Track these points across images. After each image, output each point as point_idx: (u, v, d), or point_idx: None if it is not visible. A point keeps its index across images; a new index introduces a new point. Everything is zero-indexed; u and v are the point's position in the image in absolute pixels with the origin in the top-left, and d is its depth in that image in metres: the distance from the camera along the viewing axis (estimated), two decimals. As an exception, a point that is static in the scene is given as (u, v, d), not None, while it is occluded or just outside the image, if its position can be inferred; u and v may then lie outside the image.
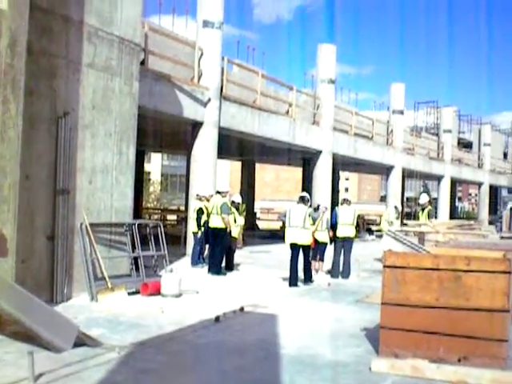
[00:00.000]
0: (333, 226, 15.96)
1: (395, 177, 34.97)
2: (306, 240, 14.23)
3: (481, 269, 7.08)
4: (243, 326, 9.41)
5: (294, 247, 14.09)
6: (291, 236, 14.07)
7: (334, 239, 16.04)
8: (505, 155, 58.46)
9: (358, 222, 17.05)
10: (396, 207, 20.99)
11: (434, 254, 7.89)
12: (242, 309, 10.42)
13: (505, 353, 7.13)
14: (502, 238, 16.00)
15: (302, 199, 14.53)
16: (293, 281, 13.95)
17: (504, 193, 62.01)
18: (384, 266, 7.48)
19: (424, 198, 20.30)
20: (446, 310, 7.18)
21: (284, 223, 14.57)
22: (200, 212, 16.74)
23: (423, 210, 19.49)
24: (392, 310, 7.40)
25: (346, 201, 16.32)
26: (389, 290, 7.42)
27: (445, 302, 7.18)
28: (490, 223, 46.34)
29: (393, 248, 7.77)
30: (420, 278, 7.27)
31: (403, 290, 7.33)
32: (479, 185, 50.09)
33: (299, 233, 14.02)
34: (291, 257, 14.09)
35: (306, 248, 14.29)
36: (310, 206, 15.25)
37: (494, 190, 55.08)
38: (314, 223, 14.96)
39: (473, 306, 7.09)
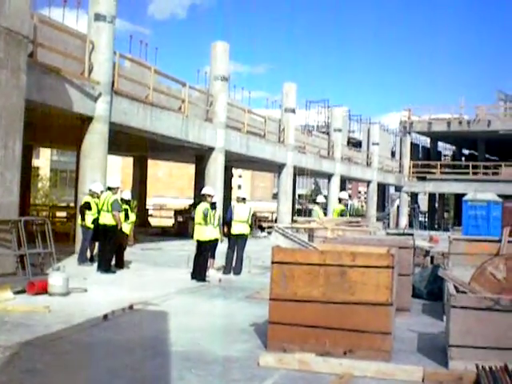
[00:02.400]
0: (228, 223, 16.13)
1: (287, 174, 35.48)
2: (211, 237, 15.00)
3: (365, 264, 7.30)
4: (132, 324, 9.31)
5: (199, 243, 14.91)
6: (196, 233, 14.91)
7: (228, 236, 16.20)
8: (392, 154, 60.37)
9: (253, 220, 17.25)
10: (318, 203, 21.24)
11: (320, 249, 8.06)
12: (131, 307, 10.28)
13: (389, 345, 7.37)
14: (387, 234, 16.53)
15: (203, 196, 15.40)
16: (194, 275, 14.53)
17: (392, 191, 64.04)
18: (272, 262, 7.59)
19: (321, 198, 21.29)
20: (332, 305, 7.36)
21: (184, 219, 15.03)
22: (86, 206, 16.48)
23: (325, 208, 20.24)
24: (280, 305, 7.52)
25: (242, 199, 16.51)
26: (277, 285, 7.54)
27: (331, 296, 7.36)
28: (378, 220, 47.80)
29: (281, 244, 7.88)
30: (307, 273, 7.42)
31: (291, 286, 7.46)
32: (368, 183, 51.49)
33: (203, 230, 14.84)
34: (196, 253, 14.86)
35: (208, 244, 14.99)
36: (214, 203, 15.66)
37: (382, 188, 56.81)
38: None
39: (358, 300, 7.30)
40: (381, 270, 7.26)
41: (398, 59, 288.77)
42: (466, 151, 68.61)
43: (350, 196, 20.77)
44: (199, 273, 14.47)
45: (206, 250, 14.88)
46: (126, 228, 16.32)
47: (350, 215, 20.84)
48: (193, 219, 15.73)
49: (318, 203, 20.93)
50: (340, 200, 20.90)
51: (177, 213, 34.57)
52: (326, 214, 19.88)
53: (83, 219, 16.57)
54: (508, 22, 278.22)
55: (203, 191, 15.69)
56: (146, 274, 15.31)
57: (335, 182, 43.01)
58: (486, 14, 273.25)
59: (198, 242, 14.89)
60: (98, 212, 15.71)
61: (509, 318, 7.04)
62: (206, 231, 14.86)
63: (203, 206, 15.01)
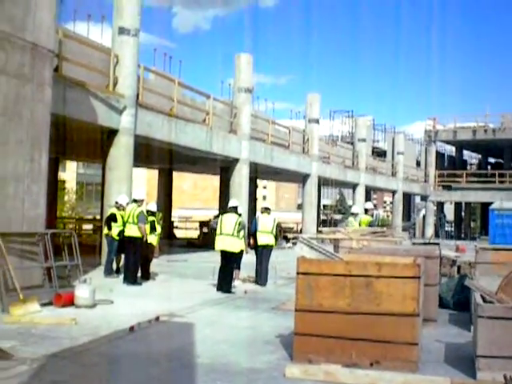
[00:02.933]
0: (253, 234, 16.17)
1: (311, 185, 35.47)
2: (235, 248, 14.88)
3: (391, 274, 7.27)
4: (158, 336, 9.35)
5: (224, 255, 14.73)
6: (221, 243, 14.76)
7: (254, 247, 16.26)
8: (417, 163, 60.05)
9: (278, 232, 17.24)
10: (353, 213, 21.24)
11: (346, 260, 8.05)
12: (157, 318, 10.33)
13: (415, 356, 7.33)
14: (413, 244, 16.42)
15: (235, 208, 15.40)
16: (219, 286, 14.48)
17: (417, 200, 63.68)
18: (297, 273, 7.59)
19: (356, 209, 21.46)
20: (358, 315, 7.34)
21: (215, 230, 14.97)
22: (112, 217, 16.60)
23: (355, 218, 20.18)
24: (305, 316, 7.51)
25: (266, 209, 16.57)
26: (302, 296, 7.53)
27: (357, 307, 7.34)
28: (404, 230, 47.51)
29: (306, 255, 7.88)
30: (332, 284, 7.41)
31: (316, 297, 7.45)
32: (393, 192, 51.27)
33: (229, 241, 14.72)
34: (221, 264, 14.72)
35: (233, 256, 14.92)
36: (240, 215, 15.69)
37: (407, 198, 56.49)
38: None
39: (384, 310, 7.27)
40: (407, 281, 7.23)
41: (422, 67, 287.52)
42: (491, 160, 68.09)
43: (375, 206, 20.76)
44: (225, 284, 14.48)
45: (231, 262, 14.91)
46: (153, 240, 16.40)
47: (377, 225, 20.76)
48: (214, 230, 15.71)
49: (353, 214, 20.94)
50: (366, 211, 20.86)
51: (202, 224, 34.66)
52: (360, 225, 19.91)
53: (110, 229, 16.67)
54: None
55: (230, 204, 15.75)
56: (171, 286, 15.34)
57: (360, 192, 42.88)
58: (510, 18, 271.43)
59: (224, 252, 14.90)
60: (124, 224, 15.80)
61: (537, 328, 6.97)
62: (233, 242, 14.90)
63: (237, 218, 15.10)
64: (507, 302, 7.67)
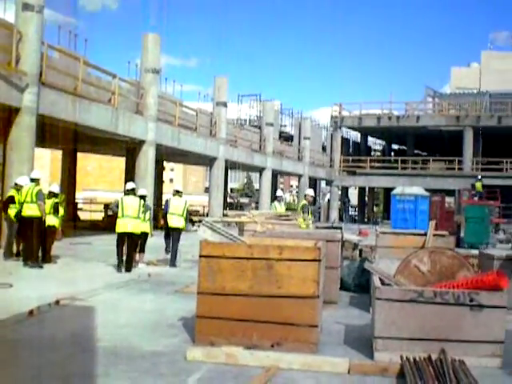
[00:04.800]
0: (164, 217, 16.36)
1: (218, 168, 35.46)
2: (138, 230, 15.12)
3: (292, 257, 7.35)
4: (59, 320, 9.16)
5: (124, 236, 14.84)
6: (123, 225, 14.81)
7: (165, 229, 16.62)
8: (323, 149, 60.96)
9: (189, 214, 17.34)
10: (277, 197, 21.37)
11: (248, 243, 8.07)
12: (57, 302, 10.10)
13: (315, 337, 7.44)
14: (317, 227, 16.67)
15: (132, 190, 15.34)
16: (119, 267, 14.69)
17: (323, 185, 64.72)
18: (200, 256, 7.58)
19: (280, 192, 21.60)
20: (260, 298, 7.39)
21: (116, 213, 14.86)
22: (10, 200, 16.13)
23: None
24: (208, 299, 7.50)
25: (177, 192, 16.75)
26: (205, 279, 7.52)
27: (258, 290, 7.38)
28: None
29: (209, 238, 7.86)
30: (235, 267, 7.43)
31: (219, 279, 7.45)
32: (299, 177, 51.84)
33: (132, 223, 14.84)
34: (118, 245, 14.84)
35: (137, 238, 15.21)
36: (142, 197, 15.80)
37: (313, 182, 57.28)
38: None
39: (285, 293, 7.34)
40: (307, 264, 7.32)
41: (328, 53, 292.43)
42: (395, 146, 69.89)
43: (281, 189, 21.02)
44: (127, 264, 14.62)
45: (134, 243, 15.07)
46: (55, 222, 16.01)
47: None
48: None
49: (277, 198, 21.16)
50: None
51: (106, 206, 34.12)
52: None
53: (6, 213, 16.19)
54: (437, 19, 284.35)
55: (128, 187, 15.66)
56: (74, 269, 15.07)
57: (267, 175, 43.18)
58: (414, 12, 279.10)
59: (126, 234, 14.84)
60: (21, 204, 15.28)
61: (432, 310, 7.20)
62: (137, 224, 15.00)
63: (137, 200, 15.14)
64: (404, 285, 7.89)
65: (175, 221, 16.19)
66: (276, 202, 20.22)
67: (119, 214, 14.89)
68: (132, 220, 14.84)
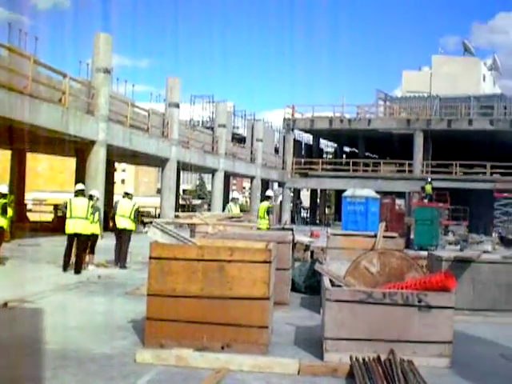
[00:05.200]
0: (112, 218, 16.35)
1: (170, 169, 35.25)
2: (86, 230, 15.02)
3: (243, 259, 7.35)
4: (6, 323, 9.01)
5: (74, 237, 14.75)
6: (72, 226, 14.72)
7: (114, 230, 16.49)
8: (276, 151, 61.10)
9: (138, 216, 17.23)
10: (234, 199, 21.40)
11: (199, 245, 8.05)
12: (5, 304, 9.93)
13: (266, 339, 7.46)
14: (268, 229, 16.72)
15: (81, 192, 15.28)
16: (65, 268, 14.55)
17: (275, 186, 64.86)
18: (150, 258, 7.53)
19: (236, 194, 21.70)
20: (211, 300, 7.38)
21: (64, 214, 14.81)
22: None
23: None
24: (158, 300, 7.46)
25: (126, 194, 16.81)
26: (155, 281, 7.48)
27: (209, 291, 7.37)
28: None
29: (159, 240, 7.81)
30: (185, 268, 7.40)
31: (169, 281, 7.41)
32: (252, 178, 51.86)
33: (81, 223, 14.76)
34: (67, 246, 14.71)
35: (85, 239, 15.06)
36: (91, 197, 15.76)
37: (265, 184, 57.37)
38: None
39: (235, 294, 7.34)
40: (258, 265, 7.33)
41: (281, 56, 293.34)
42: (347, 149, 70.43)
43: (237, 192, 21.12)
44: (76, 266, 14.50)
45: (83, 244, 14.97)
46: (3, 223, 15.74)
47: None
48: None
49: (233, 199, 21.20)
50: (268, 197, 20.89)
51: (56, 207, 33.66)
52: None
53: None
54: (390, 23, 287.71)
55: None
56: (22, 271, 14.85)
57: (219, 177, 43.10)
58: (366, 16, 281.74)
59: (75, 235, 14.73)
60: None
61: (381, 310, 7.27)
62: (86, 225, 14.88)
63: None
64: (354, 286, 7.95)
65: (123, 222, 16.19)
66: (231, 204, 20.26)
67: (67, 215, 14.84)
68: (80, 221, 14.75)
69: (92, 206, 15.11)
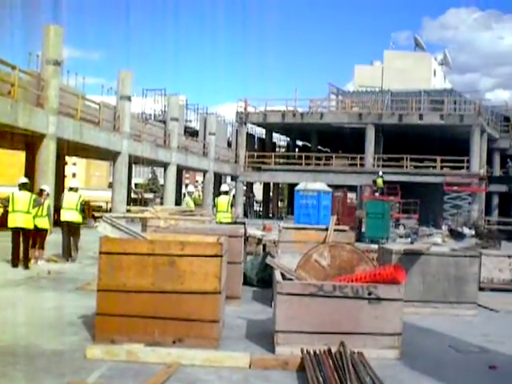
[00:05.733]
0: (58, 211, 16.13)
1: (122, 163, 34.92)
2: (30, 225, 14.77)
3: (194, 253, 7.34)
4: (-48, 319, 8.84)
5: (18, 231, 14.56)
6: (13, 220, 14.56)
7: (61, 224, 16.28)
8: (229, 144, 61.01)
9: (84, 208, 17.07)
10: (189, 192, 21.39)
11: (149, 239, 8.00)
12: (-49, 301, 9.76)
13: (217, 333, 7.46)
14: (220, 223, 16.71)
15: (24, 185, 15.09)
16: (14, 264, 14.34)
17: (228, 180, 64.82)
18: (100, 253, 7.46)
19: (191, 188, 21.99)
20: (162, 294, 7.35)
21: (7, 208, 14.67)
22: None
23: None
24: (108, 296, 7.41)
25: (70, 188, 16.64)
26: (105, 276, 7.41)
27: (160, 286, 7.34)
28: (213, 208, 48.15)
29: (110, 234, 7.74)
30: (136, 263, 7.36)
31: (120, 276, 7.36)
32: (204, 172, 51.69)
33: (22, 217, 14.56)
34: (13, 241, 14.50)
35: (27, 233, 14.77)
36: (41, 192, 15.80)
37: (218, 178, 57.30)
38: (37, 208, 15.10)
39: (187, 289, 7.33)
40: (209, 259, 7.33)
41: (235, 49, 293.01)
42: (299, 142, 70.68)
43: (186, 185, 21.15)
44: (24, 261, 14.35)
45: (28, 239, 14.84)
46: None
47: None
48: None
49: (189, 193, 21.15)
50: (226, 192, 20.82)
51: (2, 202, 33.04)
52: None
53: None
54: (343, 18, 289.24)
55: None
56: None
57: (171, 171, 42.83)
58: (320, 10, 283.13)
59: (20, 230, 14.60)
60: None
61: (332, 303, 7.34)
62: (28, 219, 14.75)
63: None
64: (305, 279, 8.00)
65: (68, 215, 16.01)
66: (188, 197, 20.23)
67: (9, 209, 14.76)
68: (22, 215, 14.58)
69: (35, 200, 14.90)
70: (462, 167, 50.06)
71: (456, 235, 34.48)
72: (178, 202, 40.01)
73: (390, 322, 7.41)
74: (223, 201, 18.48)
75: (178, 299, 7.32)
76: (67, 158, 42.27)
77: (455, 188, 48.36)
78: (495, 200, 54.66)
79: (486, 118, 54.76)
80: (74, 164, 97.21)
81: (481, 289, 13.12)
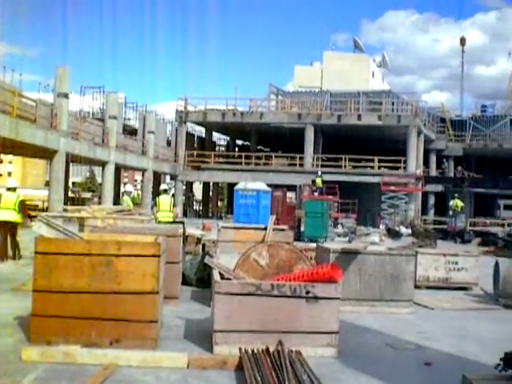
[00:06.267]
0: None
1: (59, 161, 34.35)
2: None
3: (131, 253, 7.28)
4: None
5: None
6: None
7: None
8: (168, 143, 60.71)
9: (22, 208, 16.78)
10: (127, 192, 21.29)
11: (86, 239, 7.91)
12: None
13: (155, 333, 7.42)
14: (159, 222, 16.61)
15: None
16: None
17: (167, 179, 64.51)
18: (35, 253, 7.34)
19: (129, 187, 22.23)
20: (99, 295, 7.27)
21: None
22: None
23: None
24: (44, 296, 7.29)
25: (9, 189, 16.33)
26: (40, 276, 7.29)
27: (97, 286, 7.25)
28: (153, 208, 47.81)
29: (45, 234, 7.62)
30: (72, 263, 7.26)
31: (56, 277, 7.25)
32: (143, 171, 51.29)
33: None
34: None
35: None
36: None
37: (158, 177, 56.95)
38: None
39: (124, 289, 7.26)
40: (147, 259, 7.28)
41: (175, 48, 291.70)
42: (239, 142, 70.80)
43: (130, 185, 21.09)
44: None
45: None
46: None
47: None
48: None
49: (126, 192, 21.01)
50: (165, 190, 20.65)
51: None
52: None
53: None
54: (283, 19, 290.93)
55: None
56: None
57: (110, 169, 42.34)
58: (261, 10, 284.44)
59: None
60: None
61: (269, 302, 7.37)
62: None
63: None
64: (243, 279, 8.02)
65: (6, 214, 15.74)
66: (126, 197, 20.13)
67: None
68: None
69: None
70: (399, 167, 50.91)
71: (393, 234, 35.08)
72: (117, 202, 39.58)
73: (327, 320, 7.49)
74: (165, 200, 18.36)
75: (115, 300, 7.25)
76: (2, 156, 41.44)
77: (392, 188, 49.10)
78: (431, 200, 55.75)
79: (423, 119, 55.82)
80: (10, 162, 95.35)
81: (417, 287, 13.37)
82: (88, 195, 70.93)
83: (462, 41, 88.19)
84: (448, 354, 8.19)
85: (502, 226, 41.64)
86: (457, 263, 14.80)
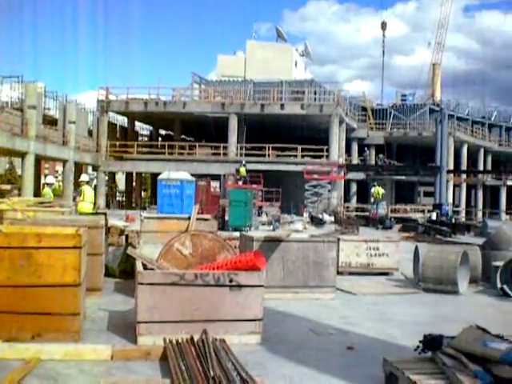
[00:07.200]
0: None
1: (-23, 153, 33.49)
2: None
3: (52, 245, 7.17)
4: None
5: None
6: None
7: None
8: (90, 133, 59.75)
9: None
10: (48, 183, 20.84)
11: (5, 232, 7.74)
12: None
13: (78, 326, 7.35)
14: (80, 213, 16.36)
15: None
16: None
17: (89, 170, 63.53)
18: (-49, 247, 7.15)
19: (50, 179, 21.93)
20: (19, 289, 7.14)
21: None
22: None
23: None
24: (-39, 292, 7.10)
25: None
26: (-43, 271, 7.11)
27: (17, 280, 7.12)
28: (75, 199, 47.05)
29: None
30: (-9, 257, 7.10)
31: (-26, 271, 7.08)
32: (64, 162, 50.35)
33: None
34: None
35: None
36: None
37: (79, 168, 56.00)
38: None
39: (45, 282, 7.15)
40: (68, 251, 7.18)
41: (96, 36, 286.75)
42: (163, 131, 70.29)
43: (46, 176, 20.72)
44: None
45: None
46: None
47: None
48: None
49: (48, 184, 20.58)
50: (87, 182, 20.26)
51: None
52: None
53: None
54: (203, 6, 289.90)
55: None
56: None
57: (30, 160, 41.44)
58: (179, 0, 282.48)
59: None
60: None
61: (193, 292, 7.39)
62: None
63: None
64: (167, 269, 8.00)
65: None
66: (48, 188, 19.75)
67: None
68: None
69: None
70: (322, 156, 51.55)
71: (316, 222, 35.54)
72: (37, 194, 38.74)
73: (250, 308, 7.55)
74: (90, 191, 18.12)
75: (35, 293, 7.13)
76: None
77: (315, 176, 49.69)
78: (353, 187, 56.80)
79: (345, 109, 56.69)
80: None
81: (339, 273, 13.63)
82: (8, 187, 69.17)
83: (383, 25, 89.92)
84: (370, 338, 8.39)
85: (422, 212, 42.79)
86: (378, 249, 15.13)
